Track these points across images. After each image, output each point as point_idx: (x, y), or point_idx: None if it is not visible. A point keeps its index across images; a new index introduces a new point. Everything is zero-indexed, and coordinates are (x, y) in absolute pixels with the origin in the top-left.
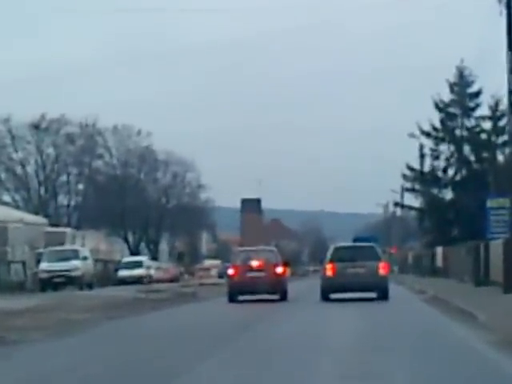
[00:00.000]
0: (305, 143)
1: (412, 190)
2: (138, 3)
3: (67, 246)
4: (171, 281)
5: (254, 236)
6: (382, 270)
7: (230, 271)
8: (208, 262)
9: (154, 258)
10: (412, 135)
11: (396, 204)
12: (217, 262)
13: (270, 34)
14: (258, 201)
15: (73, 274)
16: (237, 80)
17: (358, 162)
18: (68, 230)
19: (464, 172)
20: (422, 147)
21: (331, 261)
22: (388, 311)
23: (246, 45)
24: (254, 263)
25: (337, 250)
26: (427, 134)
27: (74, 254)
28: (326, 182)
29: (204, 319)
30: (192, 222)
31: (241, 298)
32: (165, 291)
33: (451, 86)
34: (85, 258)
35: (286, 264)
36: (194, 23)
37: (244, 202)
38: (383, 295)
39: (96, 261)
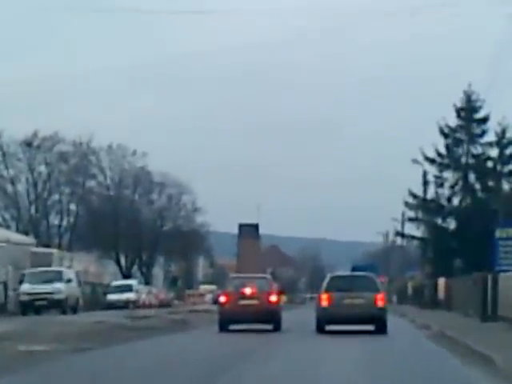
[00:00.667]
0: (306, 170)
1: (415, 219)
2: (134, 14)
3: (51, 268)
4: (162, 306)
5: (251, 262)
6: (380, 301)
7: (222, 298)
8: (203, 288)
9: (147, 282)
10: (416, 161)
11: (397, 233)
12: (212, 287)
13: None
14: (256, 226)
15: (55, 297)
16: (238, 101)
17: (359, 189)
18: (55, 250)
19: (469, 200)
20: (425, 174)
21: (327, 290)
22: (390, 350)
23: (247, 65)
24: (247, 290)
25: (333, 279)
26: (431, 161)
27: (58, 276)
28: (328, 209)
29: (185, 353)
30: (188, 246)
31: (232, 327)
32: (152, 317)
33: (458, 111)
34: (69, 281)
35: (280, 292)
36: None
37: (241, 227)
38: (381, 328)
39: (85, 283)
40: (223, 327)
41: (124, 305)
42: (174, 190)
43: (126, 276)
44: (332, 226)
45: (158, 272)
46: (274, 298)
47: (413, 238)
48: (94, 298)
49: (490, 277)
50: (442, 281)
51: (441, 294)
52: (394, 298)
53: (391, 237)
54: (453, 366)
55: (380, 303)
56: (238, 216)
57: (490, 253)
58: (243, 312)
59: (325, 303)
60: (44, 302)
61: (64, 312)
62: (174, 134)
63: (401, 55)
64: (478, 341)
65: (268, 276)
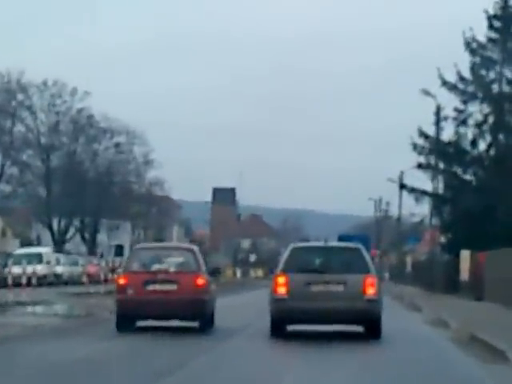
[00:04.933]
0: (293, 138)
1: (426, 166)
2: None
3: None
4: (94, 282)
5: (227, 231)
6: (371, 288)
7: (120, 281)
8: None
9: (92, 251)
10: (426, 92)
11: (402, 186)
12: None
13: None
14: (233, 190)
15: None
16: None
17: (355, 149)
18: None
19: (502, 144)
20: (439, 109)
21: (285, 270)
22: (391, 373)
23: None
24: (160, 269)
25: (296, 252)
26: (452, 87)
27: None
28: (317, 180)
29: None
30: (159, 212)
31: (140, 323)
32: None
33: (490, 20)
34: None
35: (213, 272)
36: None
37: (216, 191)
38: (373, 330)
39: None
40: (123, 326)
41: (27, 281)
42: (124, 140)
43: (59, 244)
44: (321, 198)
45: (103, 240)
46: (201, 281)
47: (422, 193)
48: None
49: None
50: (465, 255)
51: (464, 273)
52: (386, 276)
53: (384, 205)
54: None
55: (371, 291)
56: (219, 185)
57: None
58: (153, 302)
59: (282, 291)
60: None
61: None
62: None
63: None
64: None
65: (194, 247)
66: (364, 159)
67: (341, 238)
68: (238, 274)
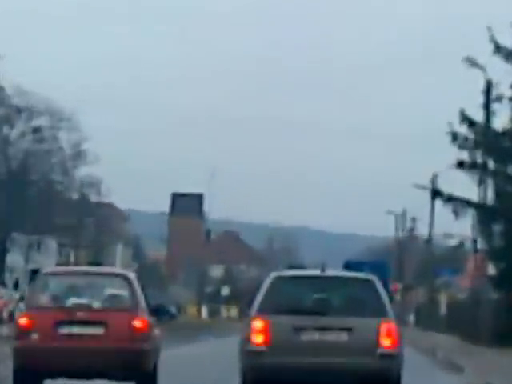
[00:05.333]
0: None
1: (472, 166)
2: None
3: None
4: None
5: (191, 253)
6: (388, 339)
7: (21, 321)
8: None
9: None
10: (472, 61)
11: (435, 193)
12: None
13: None
14: (199, 197)
15: None
16: None
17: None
18: None
19: None
20: (489, 87)
21: (262, 310)
22: None
23: None
24: (80, 305)
25: (281, 283)
26: (509, 55)
27: None
28: (313, 187)
29: None
30: (97, 226)
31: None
32: None
33: None
34: None
35: (155, 312)
36: None
37: (176, 198)
38: None
39: None
40: None
41: None
42: (46, 123)
43: None
44: (318, 211)
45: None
46: (139, 323)
47: (465, 203)
48: None
49: None
50: None
51: None
52: (411, 319)
53: (409, 222)
54: None
55: (388, 342)
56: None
57: None
58: (68, 352)
59: (258, 340)
60: None
61: None
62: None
63: None
64: None
65: (130, 274)
66: (377, 159)
67: (347, 266)
68: (204, 313)
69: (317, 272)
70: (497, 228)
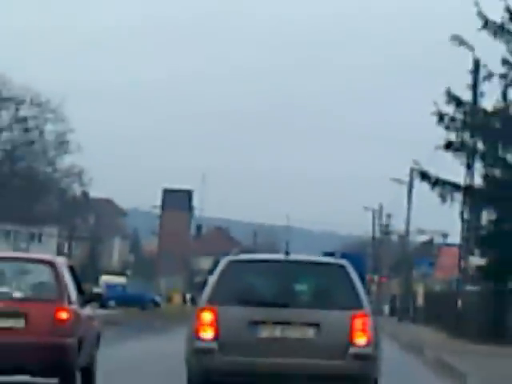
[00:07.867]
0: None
1: (458, 147)
2: None
3: None
4: None
5: (180, 244)
6: (362, 334)
7: None
8: (104, 279)
9: None
10: (458, 39)
11: (423, 175)
12: (120, 279)
13: None
14: (189, 193)
15: None
16: None
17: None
18: None
19: None
20: (477, 65)
21: (213, 301)
22: None
23: None
24: None
25: (236, 269)
26: (498, 30)
27: None
28: (297, 188)
29: None
30: (98, 219)
31: None
32: None
33: None
34: None
35: (89, 300)
36: None
37: (166, 194)
38: None
39: None
40: None
41: None
42: (32, 112)
43: None
44: (302, 211)
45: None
46: (64, 314)
47: (454, 186)
48: None
49: None
50: None
51: None
52: (386, 310)
53: (385, 218)
54: None
55: (362, 339)
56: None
57: None
58: None
59: (207, 336)
60: None
61: None
62: None
63: None
64: None
65: (57, 260)
66: (355, 159)
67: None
68: (189, 301)
69: (279, 256)
70: (484, 213)
